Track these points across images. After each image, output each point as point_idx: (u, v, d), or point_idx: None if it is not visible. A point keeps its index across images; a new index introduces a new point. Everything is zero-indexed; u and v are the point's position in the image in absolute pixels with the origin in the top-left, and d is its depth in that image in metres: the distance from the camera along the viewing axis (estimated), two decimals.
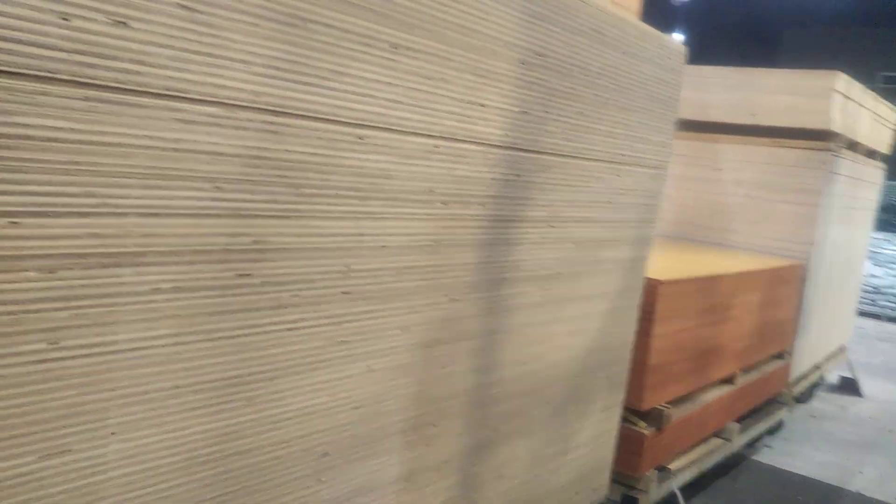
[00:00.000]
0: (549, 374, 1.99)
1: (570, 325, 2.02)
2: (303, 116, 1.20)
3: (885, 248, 8.53)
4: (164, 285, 1.06)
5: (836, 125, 3.88)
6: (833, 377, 5.36)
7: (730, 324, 3.16)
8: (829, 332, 4.74)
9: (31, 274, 0.93)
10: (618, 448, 2.46)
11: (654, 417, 2.66)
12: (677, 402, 2.84)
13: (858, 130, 4.31)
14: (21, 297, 0.92)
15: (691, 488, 3.12)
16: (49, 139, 0.91)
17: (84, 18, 0.92)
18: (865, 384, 5.28)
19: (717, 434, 3.29)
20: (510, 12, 1.53)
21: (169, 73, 1.01)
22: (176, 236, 1.06)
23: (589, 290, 2.06)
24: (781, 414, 4.04)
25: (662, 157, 2.24)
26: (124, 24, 0.96)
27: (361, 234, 1.35)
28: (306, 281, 1.27)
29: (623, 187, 2.08)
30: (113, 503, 1.06)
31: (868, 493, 3.51)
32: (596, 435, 2.29)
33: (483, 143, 1.56)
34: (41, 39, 0.88)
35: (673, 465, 2.88)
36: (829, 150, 3.89)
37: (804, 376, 4.43)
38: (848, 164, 4.23)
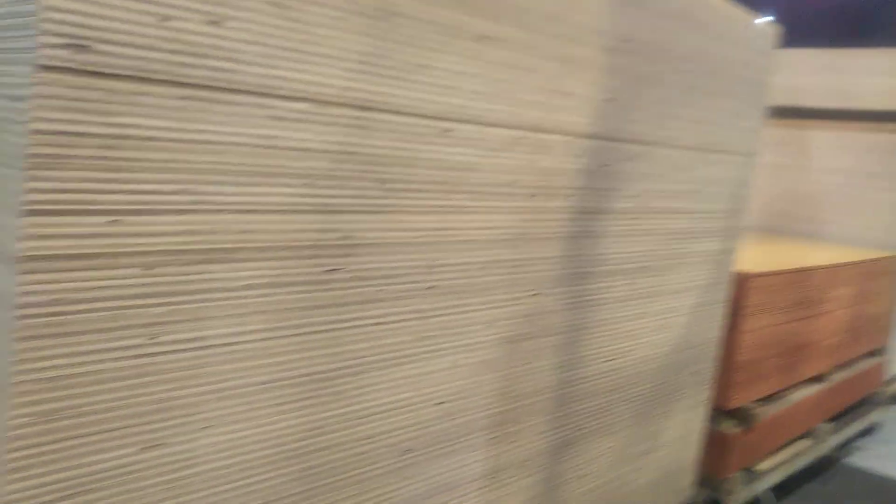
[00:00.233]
0: (635, 371, 1.94)
1: (657, 320, 1.96)
2: (389, 111, 1.19)
3: None
4: (256, 281, 1.07)
5: None
6: None
7: (822, 319, 3.03)
8: None
9: (131, 271, 0.95)
10: (703, 448, 2.39)
11: (742, 416, 2.57)
12: (765, 400, 2.74)
13: None
14: (121, 293, 0.94)
15: (779, 491, 3.01)
16: (147, 138, 0.93)
17: (180, 19, 0.93)
18: None
19: (807, 435, 3.16)
20: None
21: (260, 70, 1.02)
22: (268, 232, 1.07)
23: (676, 283, 2.00)
24: (876, 414, 3.86)
25: (752, 144, 2.15)
26: (218, 23, 0.96)
27: (446, 229, 1.33)
28: (392, 276, 1.26)
29: (711, 176, 2.01)
30: (205, 496, 1.09)
31: None
32: (681, 434, 2.23)
33: (568, 133, 1.52)
34: (140, 41, 0.90)
35: (760, 467, 2.78)
36: None
37: None
38: None
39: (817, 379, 3.16)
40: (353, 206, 1.18)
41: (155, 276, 0.97)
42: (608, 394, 1.86)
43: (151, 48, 0.91)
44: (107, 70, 0.88)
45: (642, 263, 1.85)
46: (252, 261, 1.06)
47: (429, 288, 1.33)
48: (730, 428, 2.52)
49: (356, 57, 1.12)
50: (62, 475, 0.93)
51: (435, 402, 1.40)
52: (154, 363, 0.99)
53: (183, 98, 0.95)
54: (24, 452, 0.90)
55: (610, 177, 1.67)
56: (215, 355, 1.05)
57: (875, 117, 3.76)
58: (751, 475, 2.71)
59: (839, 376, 3.31)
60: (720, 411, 2.52)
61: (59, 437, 0.92)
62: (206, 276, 1.02)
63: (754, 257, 2.78)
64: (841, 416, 3.46)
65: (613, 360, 1.85)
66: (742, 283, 2.39)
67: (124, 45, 0.88)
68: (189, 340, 1.02)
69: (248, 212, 1.04)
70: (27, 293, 0.87)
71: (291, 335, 1.13)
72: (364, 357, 1.25)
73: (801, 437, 3.13)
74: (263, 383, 1.12)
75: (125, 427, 0.98)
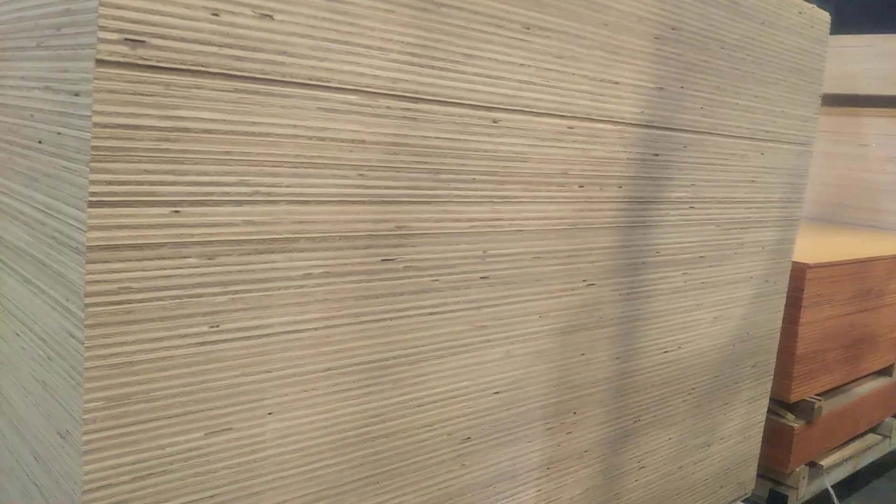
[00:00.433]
0: (692, 363, 1.91)
1: (714, 311, 1.93)
2: (438, 102, 1.20)
3: None
4: (314, 270, 1.09)
5: None
6: None
7: (885, 310, 2.94)
8: None
9: (193, 260, 0.97)
10: (764, 442, 2.33)
11: (804, 410, 2.51)
12: (828, 394, 2.67)
13: None
14: (184, 282, 0.97)
15: (845, 487, 2.92)
16: (204, 131, 0.95)
17: (232, 13, 0.95)
18: None
19: (873, 430, 3.06)
20: None
21: (311, 62, 1.04)
22: (324, 222, 1.09)
23: (733, 274, 1.96)
24: None
25: (807, 132, 2.10)
26: (269, 16, 0.98)
27: (498, 219, 1.33)
28: (446, 266, 1.27)
29: (767, 165, 1.97)
30: (270, 480, 1.10)
31: None
32: (742, 427, 2.18)
33: (618, 122, 1.51)
34: (193, 35, 0.92)
35: (825, 462, 2.70)
36: None
37: None
38: None
39: (883, 372, 3.06)
40: (406, 196, 1.19)
41: (216, 265, 0.99)
42: (665, 385, 1.84)
43: (205, 42, 0.93)
44: (163, 64, 0.90)
45: (697, 254, 1.82)
46: (309, 251, 1.08)
47: (482, 278, 1.33)
48: (792, 421, 2.46)
49: (404, 48, 1.14)
50: (134, 457, 0.96)
51: (492, 392, 1.40)
52: (218, 350, 1.01)
53: (237, 91, 0.97)
54: (97, 435, 0.92)
55: (663, 166, 1.65)
56: (277, 343, 1.07)
57: None
58: (815, 470, 2.63)
59: None
60: (781, 405, 2.46)
61: (130, 422, 0.95)
62: (266, 265, 1.04)
63: (812, 248, 2.72)
64: None
65: (669, 351, 1.82)
66: (801, 274, 2.34)
67: (179, 39, 0.91)
68: (251, 328, 1.04)
69: (305, 202, 1.06)
70: (94, 282, 0.90)
71: (350, 323, 1.15)
72: (420, 346, 1.26)
73: (868, 432, 3.03)
74: (325, 370, 1.13)
75: (192, 412, 1.00)
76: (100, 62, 0.86)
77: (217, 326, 1.00)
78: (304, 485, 1.15)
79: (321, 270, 1.10)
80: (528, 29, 1.30)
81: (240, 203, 1.00)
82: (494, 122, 1.29)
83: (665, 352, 1.81)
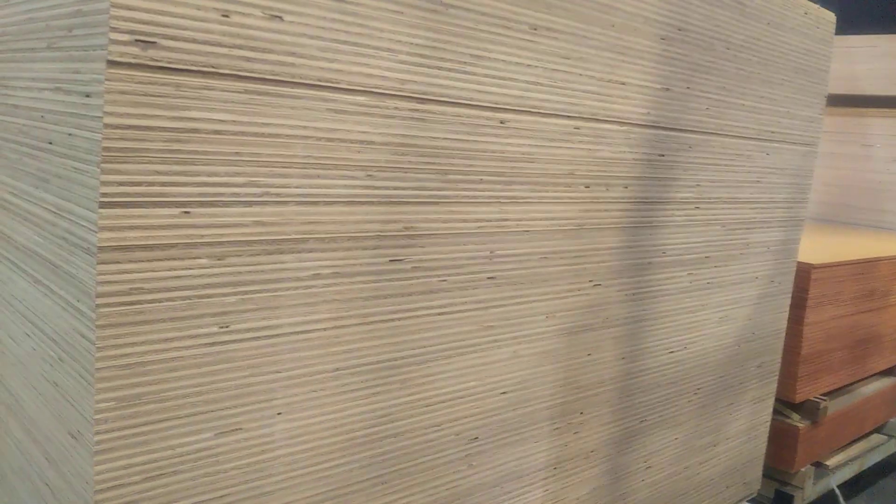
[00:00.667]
0: (698, 363, 1.91)
1: (719, 311, 1.93)
2: (446, 102, 1.20)
3: None
4: (323, 271, 1.09)
5: None
6: None
7: (890, 311, 2.94)
8: None
9: (203, 261, 0.97)
10: (770, 442, 2.33)
11: (809, 410, 2.51)
12: (833, 394, 2.67)
13: None
14: (194, 282, 0.97)
15: (850, 487, 2.92)
16: (214, 132, 0.96)
17: (242, 14, 0.96)
18: None
19: (878, 430, 3.06)
20: None
21: (320, 63, 1.04)
22: (333, 223, 1.09)
23: (738, 274, 1.96)
24: None
25: (812, 133, 2.10)
26: (279, 17, 0.99)
27: (505, 219, 1.34)
28: (453, 266, 1.27)
29: (772, 166, 1.97)
30: (279, 481, 1.11)
31: None
32: (747, 427, 2.18)
33: (624, 123, 1.51)
34: (204, 36, 0.93)
35: (831, 462, 2.70)
36: None
37: None
38: None
39: (888, 373, 3.06)
40: (414, 197, 1.19)
41: (226, 266, 0.99)
42: (671, 385, 1.84)
43: (215, 43, 0.93)
44: (173, 65, 0.91)
45: (703, 254, 1.82)
46: (318, 251, 1.08)
47: (489, 278, 1.34)
48: (797, 421, 2.46)
49: (412, 49, 1.14)
50: (145, 458, 0.96)
51: (499, 392, 1.40)
52: (228, 350, 1.01)
53: (247, 92, 0.97)
54: (109, 436, 0.93)
55: (668, 166, 1.65)
56: (286, 343, 1.07)
57: None
58: (821, 470, 2.63)
59: None
60: (787, 405, 2.46)
61: (142, 422, 0.95)
62: (276, 265, 1.04)
63: (816, 248, 2.72)
64: None
65: (675, 351, 1.82)
66: (805, 274, 2.34)
67: (189, 40, 0.91)
68: (261, 329, 1.04)
69: (314, 203, 1.07)
70: (105, 282, 0.90)
71: (358, 324, 1.15)
72: (428, 346, 1.26)
73: (873, 432, 3.03)
74: (333, 371, 1.13)
75: (202, 412, 1.00)
76: (111, 63, 0.86)
77: (227, 327, 1.01)
78: (312, 485, 1.15)
79: (330, 271, 1.10)
80: (536, 30, 1.30)
81: (249, 204, 1.00)
82: (502, 122, 1.29)
83: (671, 352, 1.81)
